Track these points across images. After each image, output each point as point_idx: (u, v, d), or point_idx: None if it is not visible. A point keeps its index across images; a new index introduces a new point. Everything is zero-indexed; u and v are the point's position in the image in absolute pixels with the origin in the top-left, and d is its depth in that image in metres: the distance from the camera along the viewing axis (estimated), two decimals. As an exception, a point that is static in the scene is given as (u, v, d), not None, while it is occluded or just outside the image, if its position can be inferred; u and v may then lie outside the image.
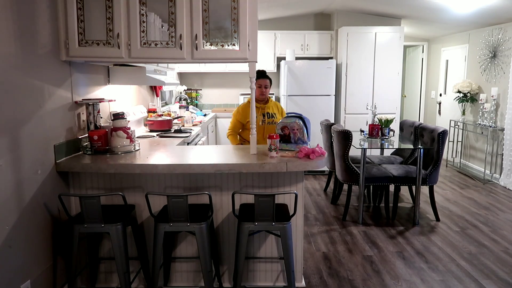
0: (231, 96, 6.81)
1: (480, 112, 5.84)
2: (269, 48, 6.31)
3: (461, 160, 6.56)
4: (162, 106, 5.20)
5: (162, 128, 3.98)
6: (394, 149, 5.08)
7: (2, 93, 2.03)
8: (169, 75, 5.56)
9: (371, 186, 4.63)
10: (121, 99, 3.67)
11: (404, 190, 5.22)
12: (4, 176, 2.06)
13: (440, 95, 7.32)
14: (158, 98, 4.94)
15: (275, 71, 6.48)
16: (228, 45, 2.65)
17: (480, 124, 5.83)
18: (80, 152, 2.78)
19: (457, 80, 6.62)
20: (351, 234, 3.83)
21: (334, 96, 6.00)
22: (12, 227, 2.12)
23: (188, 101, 6.16)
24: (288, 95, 5.95)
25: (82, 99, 2.85)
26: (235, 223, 2.74)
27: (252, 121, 2.74)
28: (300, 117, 2.77)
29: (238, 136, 3.81)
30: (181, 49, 2.64)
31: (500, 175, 5.54)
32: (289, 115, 2.83)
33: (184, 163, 2.49)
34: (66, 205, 2.44)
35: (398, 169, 4.22)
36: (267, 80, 3.72)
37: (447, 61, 7.12)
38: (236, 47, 2.64)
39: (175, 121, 4.40)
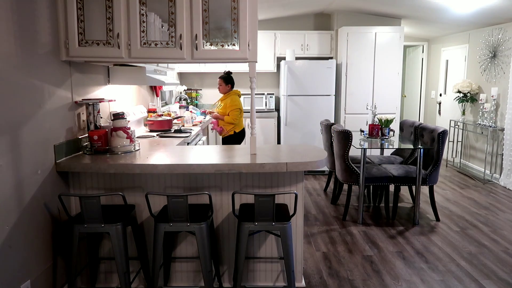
0: (231, 96, 6.79)
1: (480, 112, 5.84)
2: (269, 48, 6.31)
3: (461, 160, 6.56)
4: (162, 106, 5.20)
5: (162, 128, 3.98)
6: (394, 149, 5.08)
7: (2, 93, 2.03)
8: (169, 75, 5.56)
9: (371, 186, 4.63)
10: (121, 99, 3.67)
11: (404, 190, 5.22)
12: (4, 176, 2.06)
13: (440, 95, 7.32)
14: (158, 98, 4.94)
15: (275, 71, 6.48)
16: (228, 45, 2.65)
17: (480, 124, 5.83)
18: (80, 152, 2.78)
19: (457, 80, 6.62)
20: (351, 234, 3.83)
21: (334, 96, 6.00)
22: (12, 227, 2.12)
23: (188, 101, 6.16)
24: (288, 95, 5.95)
25: (82, 99, 2.85)
26: (235, 223, 2.74)
27: (252, 121, 2.74)
28: None
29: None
30: (181, 49, 2.64)
31: (500, 175, 5.54)
32: None
33: (184, 163, 2.49)
34: (66, 205, 2.44)
35: (398, 169, 4.22)
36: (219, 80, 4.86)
37: (447, 61, 7.13)
38: (236, 47, 2.64)
39: (175, 121, 4.40)
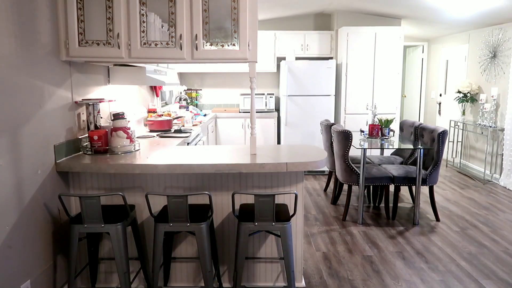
0: (231, 96, 6.81)
1: (480, 112, 5.84)
2: (269, 48, 6.31)
3: (461, 160, 6.56)
4: (162, 106, 5.20)
5: (162, 128, 3.98)
6: (394, 149, 5.08)
7: (2, 93, 2.03)
8: (169, 75, 5.56)
9: (371, 186, 4.63)
10: (121, 99, 3.67)
11: (404, 190, 5.22)
12: (4, 176, 2.06)
13: (440, 95, 7.32)
14: (158, 98, 4.94)
15: (275, 71, 6.48)
16: (228, 45, 2.65)
17: (480, 124, 5.83)
18: (80, 152, 2.78)
19: (457, 80, 6.62)
20: (351, 234, 3.83)
21: (334, 96, 6.00)
22: (12, 227, 2.12)
23: (188, 101, 6.16)
24: (288, 95, 5.95)
25: (82, 99, 2.85)
26: (235, 223, 2.74)
27: (252, 121, 2.74)
28: None
29: None
30: (181, 49, 2.64)
31: (500, 175, 5.54)
32: None
33: (184, 163, 2.49)
34: (66, 205, 2.44)
35: (398, 169, 4.22)
36: None
37: (447, 61, 7.13)
38: (236, 47, 2.65)
39: (175, 121, 4.40)
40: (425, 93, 7.97)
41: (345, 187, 5.16)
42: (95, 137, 2.72)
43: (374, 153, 5.76)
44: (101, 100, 2.92)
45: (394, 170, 4.21)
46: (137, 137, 3.26)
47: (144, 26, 2.61)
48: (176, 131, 3.96)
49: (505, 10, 4.79)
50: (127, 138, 2.80)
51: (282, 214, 2.45)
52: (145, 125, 4.20)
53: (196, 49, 2.64)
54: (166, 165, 2.47)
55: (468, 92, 6.07)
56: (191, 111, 5.14)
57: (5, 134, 2.06)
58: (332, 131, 4.35)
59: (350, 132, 4.03)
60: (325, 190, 5.33)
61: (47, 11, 2.44)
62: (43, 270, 2.40)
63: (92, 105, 2.81)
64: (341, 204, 4.69)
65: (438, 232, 3.86)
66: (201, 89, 6.73)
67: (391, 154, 5.11)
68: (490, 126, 5.57)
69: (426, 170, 4.13)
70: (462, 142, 6.55)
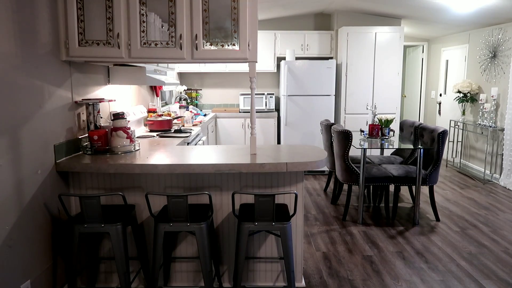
0: (231, 96, 6.81)
1: (480, 112, 5.84)
2: (269, 48, 6.31)
3: (461, 160, 6.56)
4: (162, 106, 5.20)
5: (162, 128, 3.98)
6: (394, 149, 5.08)
7: (2, 93, 2.03)
8: (169, 75, 5.56)
9: (371, 186, 4.63)
10: (121, 99, 3.67)
11: (404, 190, 5.22)
12: (4, 176, 2.06)
13: (440, 95, 7.32)
14: (158, 98, 4.94)
15: (275, 71, 6.48)
16: (228, 45, 2.65)
17: (480, 124, 5.83)
18: (80, 152, 2.78)
19: (457, 80, 6.62)
20: (351, 234, 3.83)
21: (334, 96, 6.00)
22: (12, 227, 2.12)
23: (188, 101, 6.16)
24: (288, 95, 5.95)
25: (82, 99, 2.85)
26: (235, 223, 2.74)
27: (252, 121, 2.74)
28: None
29: None
30: (181, 49, 2.64)
31: (500, 175, 5.54)
32: None
33: (184, 163, 2.49)
34: (66, 205, 2.44)
35: (398, 169, 4.22)
36: None
37: (447, 61, 7.13)
38: (236, 47, 2.65)
39: (175, 121, 4.40)
40: (425, 93, 7.97)
41: (345, 187, 5.16)
42: (95, 137, 2.72)
43: (374, 153, 5.76)
44: (101, 100, 2.92)
45: (394, 170, 4.21)
46: (137, 137, 3.26)
47: (144, 26, 2.61)
48: (176, 131, 3.96)
49: (505, 10, 4.79)
50: (127, 138, 2.80)
51: (282, 214, 2.45)
52: (145, 125, 4.20)
53: (196, 49, 2.64)
54: (166, 165, 2.47)
55: (468, 92, 6.07)
56: (191, 111, 5.14)
57: (5, 134, 2.06)
58: (332, 131, 4.35)
59: (350, 132, 4.03)
60: (325, 190, 5.33)
61: (47, 11, 2.44)
62: (43, 270, 2.40)
63: (92, 105, 2.81)
64: (341, 204, 4.69)
65: (438, 232, 3.86)
66: (201, 89, 6.73)
67: (391, 154, 5.11)
68: (490, 126, 5.57)
69: (426, 170, 4.13)
70: (462, 142, 6.55)
